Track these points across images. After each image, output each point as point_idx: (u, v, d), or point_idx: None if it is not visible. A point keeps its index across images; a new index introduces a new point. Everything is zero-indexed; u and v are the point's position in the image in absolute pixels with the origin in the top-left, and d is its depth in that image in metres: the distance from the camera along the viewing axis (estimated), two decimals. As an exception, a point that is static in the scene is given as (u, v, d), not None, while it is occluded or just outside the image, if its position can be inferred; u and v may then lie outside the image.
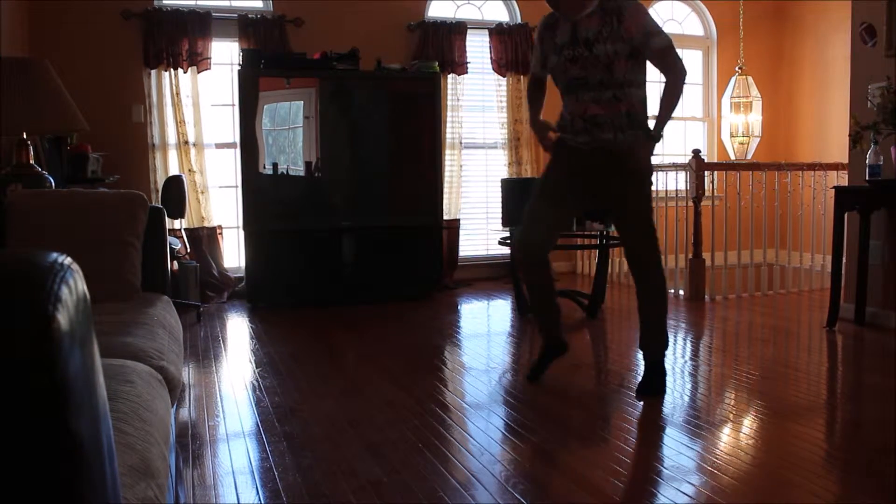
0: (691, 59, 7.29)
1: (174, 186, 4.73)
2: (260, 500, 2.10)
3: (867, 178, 4.16)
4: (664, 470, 2.30)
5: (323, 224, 5.36)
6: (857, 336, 4.28)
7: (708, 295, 5.46)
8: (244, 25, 5.61)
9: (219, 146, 5.68)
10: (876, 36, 4.35)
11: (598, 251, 5.08)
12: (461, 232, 6.30)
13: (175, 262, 4.98)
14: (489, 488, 2.16)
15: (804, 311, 5.12)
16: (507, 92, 6.33)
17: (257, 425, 2.76)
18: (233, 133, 5.66)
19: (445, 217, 5.97)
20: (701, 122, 7.41)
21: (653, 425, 2.79)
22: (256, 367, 3.65)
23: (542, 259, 3.17)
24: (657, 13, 7.03)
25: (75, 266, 0.66)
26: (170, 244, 3.58)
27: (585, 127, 3.01)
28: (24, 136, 3.25)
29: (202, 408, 3.01)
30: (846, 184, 4.77)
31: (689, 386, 3.32)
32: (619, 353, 4.05)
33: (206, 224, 5.58)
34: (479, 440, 2.58)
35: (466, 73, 6.20)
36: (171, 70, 5.42)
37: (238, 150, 5.35)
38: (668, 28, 6.98)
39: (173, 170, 5.44)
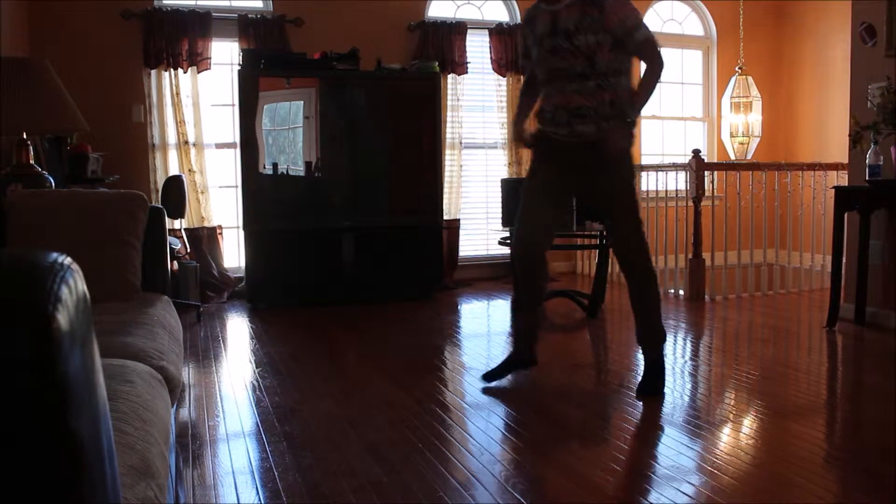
0: (691, 59, 7.30)
1: (174, 186, 4.73)
2: (260, 500, 2.10)
3: (867, 178, 4.16)
4: (664, 470, 2.30)
5: (323, 224, 5.35)
6: (857, 336, 4.28)
7: (708, 295, 5.46)
8: (244, 25, 5.61)
9: (219, 146, 5.68)
10: (876, 36, 4.35)
11: (597, 251, 5.09)
12: (461, 232, 6.30)
13: (175, 262, 4.98)
14: (489, 488, 2.16)
15: (804, 311, 5.12)
16: (507, 92, 6.33)
17: (257, 425, 2.76)
18: (233, 133, 5.66)
19: (445, 217, 5.97)
20: (701, 122, 7.41)
21: (653, 425, 2.79)
22: (256, 367, 3.65)
23: (541, 258, 3.17)
24: (657, 13, 7.04)
25: (75, 266, 0.66)
26: (170, 244, 3.58)
27: (568, 119, 2.98)
28: (24, 136, 3.25)
29: (202, 408, 3.01)
30: (846, 184, 4.77)
31: (689, 386, 3.32)
32: (619, 353, 4.05)
33: (206, 224, 5.58)
34: (479, 440, 2.58)
35: (466, 73, 6.20)
36: (171, 70, 5.42)
37: (238, 150, 5.35)
38: (668, 28, 7.10)
39: (173, 170, 5.44)
